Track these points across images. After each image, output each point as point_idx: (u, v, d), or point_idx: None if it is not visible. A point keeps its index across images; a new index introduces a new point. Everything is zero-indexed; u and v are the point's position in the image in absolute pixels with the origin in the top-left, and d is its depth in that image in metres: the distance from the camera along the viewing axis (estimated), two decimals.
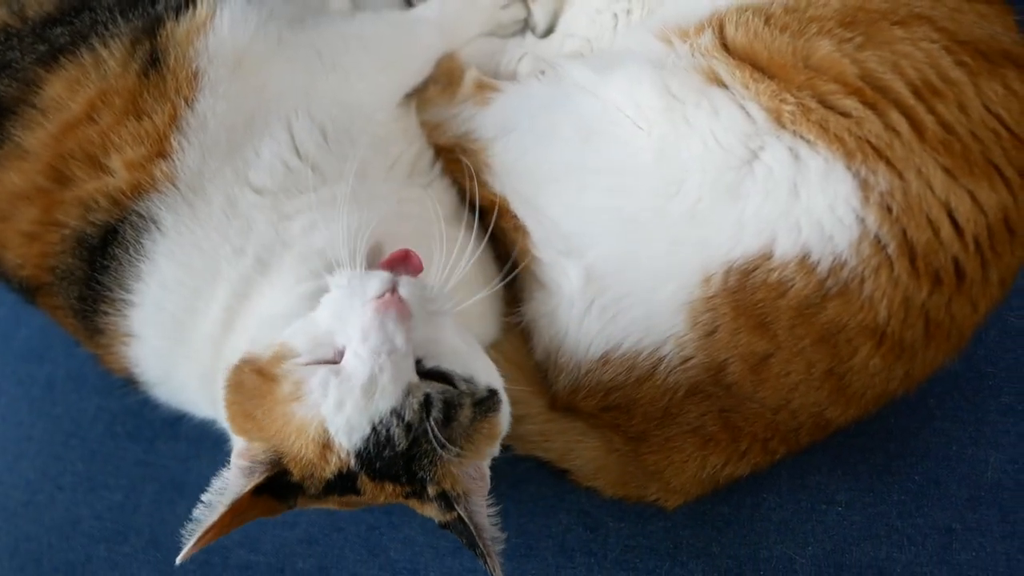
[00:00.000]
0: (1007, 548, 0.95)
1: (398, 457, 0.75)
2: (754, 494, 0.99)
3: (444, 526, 0.83)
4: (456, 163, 1.02)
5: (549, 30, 1.11)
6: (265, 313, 0.82)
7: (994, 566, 0.94)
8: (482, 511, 0.82)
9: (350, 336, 0.74)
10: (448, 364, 0.78)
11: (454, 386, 0.78)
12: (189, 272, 0.84)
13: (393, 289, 0.75)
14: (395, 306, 0.74)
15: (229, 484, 0.76)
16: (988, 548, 0.95)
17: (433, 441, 0.75)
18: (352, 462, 0.74)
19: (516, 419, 0.96)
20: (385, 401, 0.73)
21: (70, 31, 0.88)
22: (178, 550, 0.76)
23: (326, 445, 0.74)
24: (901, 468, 1.00)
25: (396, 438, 0.74)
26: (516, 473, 1.01)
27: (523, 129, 0.98)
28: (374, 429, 0.73)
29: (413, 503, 0.81)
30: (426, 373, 0.77)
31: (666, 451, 0.93)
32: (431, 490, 0.78)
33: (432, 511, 0.81)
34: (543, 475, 1.00)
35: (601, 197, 0.93)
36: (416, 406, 0.74)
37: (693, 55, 0.92)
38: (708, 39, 0.92)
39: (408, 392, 0.74)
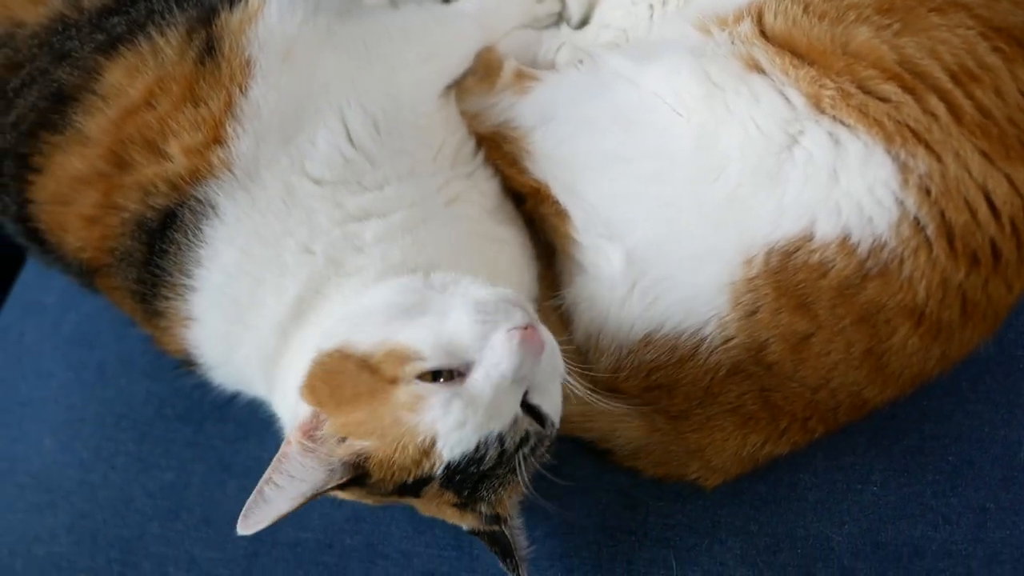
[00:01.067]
0: None
1: (478, 475, 0.79)
2: (791, 474, 1.00)
3: (474, 533, 0.88)
4: (497, 152, 1.05)
5: (584, 21, 1.13)
6: (352, 311, 0.84)
7: None
8: (520, 530, 0.88)
9: (487, 356, 0.77)
10: (546, 407, 0.84)
11: (543, 426, 0.84)
12: (251, 259, 0.86)
13: (533, 325, 0.80)
14: (537, 340, 0.79)
15: (306, 473, 0.79)
16: (1022, 527, 0.96)
17: (517, 471, 0.81)
18: (439, 471, 0.78)
19: None
20: (498, 424, 0.78)
21: (127, 20, 0.90)
22: (229, 527, 0.78)
23: (426, 454, 0.77)
24: (935, 449, 1.01)
25: (487, 459, 0.78)
26: (555, 453, 1.03)
27: (562, 117, 1.00)
28: (476, 447, 0.77)
29: (452, 512, 0.85)
30: (527, 407, 0.82)
31: (707, 430, 0.94)
32: (486, 509, 0.83)
33: (470, 521, 0.86)
34: (581, 456, 1.02)
35: (641, 183, 0.95)
36: (518, 437, 0.80)
37: (732, 43, 0.94)
38: (747, 27, 0.94)
39: (515, 421, 0.79)
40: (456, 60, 1.04)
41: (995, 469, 1.00)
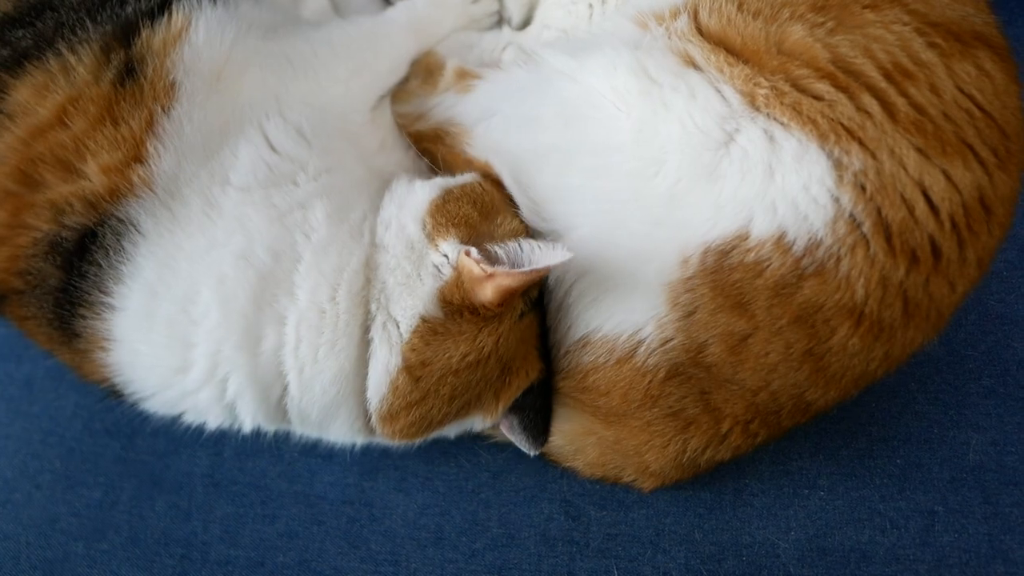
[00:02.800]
0: (989, 529, 0.95)
1: None
2: (736, 479, 0.99)
3: None
4: (438, 145, 1.03)
5: (525, 22, 1.12)
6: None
7: (976, 547, 0.94)
8: None
9: None
10: None
11: None
12: (177, 276, 0.84)
13: None
14: None
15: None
16: (971, 530, 0.95)
17: None
18: None
19: None
20: None
21: (33, 34, 0.87)
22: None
23: None
24: (883, 452, 1.00)
25: None
26: (497, 463, 1.00)
27: (505, 113, 0.99)
28: None
29: None
30: None
31: (646, 434, 0.92)
32: None
33: None
34: (524, 465, 1.00)
35: (582, 177, 0.93)
36: None
37: (669, 37, 0.93)
38: (683, 23, 0.93)
39: None
40: (387, 70, 1.03)
41: (943, 471, 0.99)
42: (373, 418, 0.88)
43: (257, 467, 1.02)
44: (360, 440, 0.94)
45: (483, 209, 0.89)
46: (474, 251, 0.83)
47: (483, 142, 0.98)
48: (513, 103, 0.99)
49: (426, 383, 0.86)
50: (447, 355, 0.85)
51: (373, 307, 0.87)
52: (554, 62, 0.98)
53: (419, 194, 0.90)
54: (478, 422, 0.94)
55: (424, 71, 1.08)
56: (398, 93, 1.08)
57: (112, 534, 0.99)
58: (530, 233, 0.93)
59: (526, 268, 0.82)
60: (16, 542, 1.00)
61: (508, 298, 0.85)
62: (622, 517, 0.97)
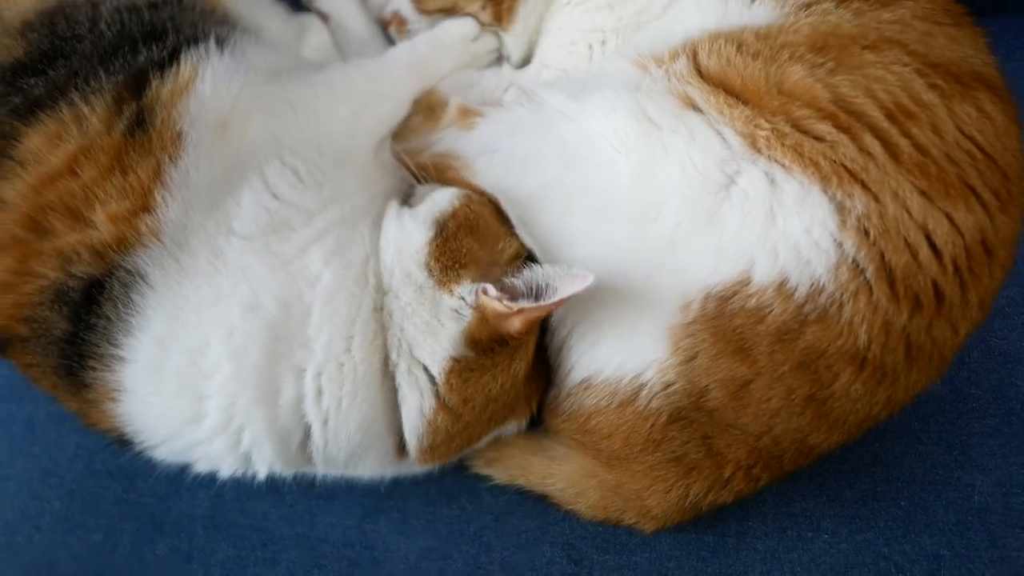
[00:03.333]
0: (996, 573, 0.94)
1: None
2: (739, 522, 0.98)
3: None
4: (442, 176, 1.02)
5: (525, 61, 1.12)
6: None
7: None
8: None
9: None
10: None
11: None
12: (185, 327, 0.83)
13: None
14: None
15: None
16: (977, 574, 0.94)
17: None
18: None
19: (495, 442, 0.96)
20: None
21: (45, 83, 0.87)
22: None
23: None
24: (887, 494, 0.99)
25: None
26: (499, 505, 1.00)
27: (506, 151, 0.99)
28: None
29: None
30: None
31: (649, 478, 0.92)
32: None
33: None
34: (526, 507, 0.99)
35: (583, 219, 0.92)
36: None
37: (669, 79, 0.93)
38: (682, 64, 0.93)
39: None
40: (389, 112, 1.03)
41: (948, 513, 0.98)
42: (411, 455, 0.89)
43: (258, 509, 1.01)
44: (390, 473, 0.95)
45: (483, 237, 0.89)
46: (492, 289, 0.83)
47: (486, 177, 0.98)
48: (514, 141, 0.99)
49: (467, 416, 0.87)
50: (486, 388, 0.87)
51: (393, 354, 0.87)
52: (555, 103, 0.98)
53: (415, 236, 0.89)
54: (512, 428, 0.95)
55: (426, 108, 1.08)
56: (400, 130, 1.08)
57: None
58: (529, 252, 0.93)
59: (552, 299, 0.82)
60: None
61: (535, 325, 0.86)
62: (625, 561, 0.97)
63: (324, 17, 1.19)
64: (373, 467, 0.92)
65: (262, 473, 0.90)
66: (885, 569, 0.95)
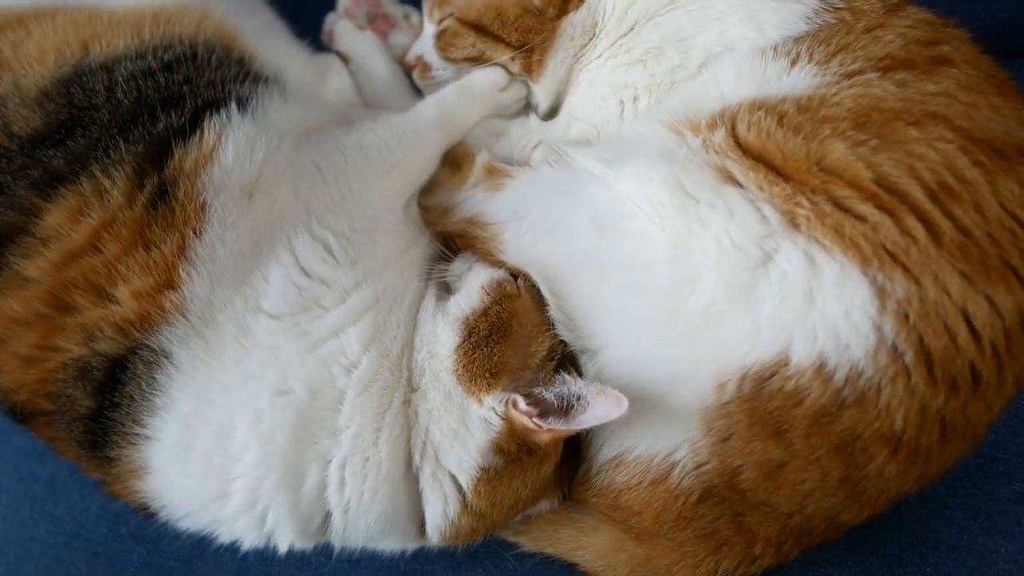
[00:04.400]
0: None
1: None
2: None
3: None
4: (469, 245, 1.01)
5: (553, 111, 1.09)
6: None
7: None
8: None
9: None
10: None
11: None
12: (212, 408, 0.82)
13: None
14: None
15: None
16: None
17: None
18: None
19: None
20: None
21: (64, 155, 0.85)
22: None
23: None
24: (912, 559, 0.99)
25: None
26: (524, 570, 1.00)
27: (536, 216, 0.97)
28: None
29: None
30: None
31: (678, 554, 0.92)
32: None
33: None
34: (552, 572, 0.99)
35: (616, 294, 0.91)
36: None
37: (707, 152, 0.90)
38: (721, 136, 0.91)
39: None
40: (418, 168, 1.01)
41: None
42: (431, 542, 0.89)
43: (284, 571, 1.01)
44: (411, 548, 0.95)
45: (514, 339, 0.88)
46: (522, 403, 0.82)
47: (515, 247, 0.96)
48: (545, 206, 0.97)
49: (493, 516, 0.87)
50: (515, 492, 0.86)
51: (416, 457, 0.86)
52: (587, 165, 0.96)
53: (444, 340, 0.88)
54: (543, 507, 0.95)
55: (451, 162, 1.06)
56: (426, 184, 1.05)
57: None
58: (564, 348, 0.91)
59: (580, 423, 0.82)
60: None
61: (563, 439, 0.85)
62: None
63: (345, 58, 1.16)
64: (393, 546, 0.93)
65: (283, 548, 0.89)
66: None
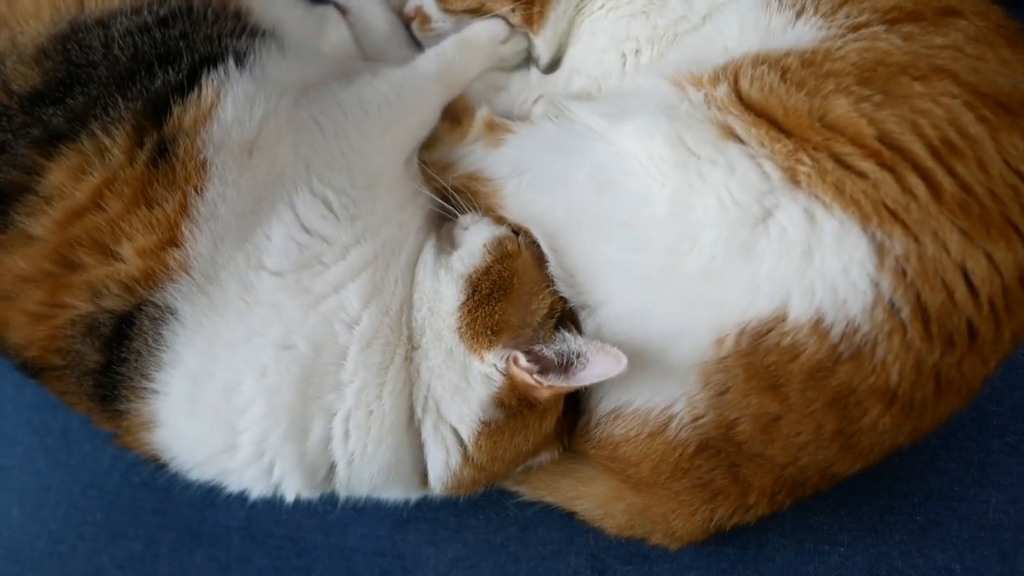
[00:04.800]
0: None
1: None
2: (759, 535, 1.01)
3: None
4: (471, 201, 1.00)
5: (554, 63, 1.08)
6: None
7: None
8: None
9: None
10: None
11: None
12: (217, 364, 0.84)
13: None
14: None
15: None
16: None
17: None
18: None
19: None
20: None
21: (64, 112, 0.85)
22: None
23: None
24: (903, 508, 1.02)
25: None
26: (524, 516, 1.03)
27: (537, 172, 0.97)
28: None
29: None
30: None
31: (675, 503, 0.94)
32: None
33: None
34: (552, 519, 1.02)
35: (616, 250, 0.92)
36: None
37: (709, 107, 0.90)
38: (724, 91, 0.90)
39: None
40: (419, 124, 1.01)
41: (963, 529, 1.01)
42: (434, 492, 0.91)
43: (291, 519, 1.04)
44: (415, 497, 0.98)
45: (516, 297, 0.88)
46: (522, 359, 0.84)
47: (516, 203, 0.97)
48: (545, 162, 0.96)
49: (494, 468, 0.89)
50: (515, 446, 0.88)
51: (419, 410, 0.88)
52: (587, 120, 0.96)
53: (447, 297, 0.89)
54: (543, 459, 0.97)
55: (451, 116, 1.05)
56: (426, 139, 1.05)
57: None
58: (564, 305, 0.92)
59: (580, 380, 0.84)
60: None
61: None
62: (647, 570, 1.01)
63: (343, 10, 1.14)
64: (397, 495, 0.95)
65: (290, 497, 0.92)
66: None
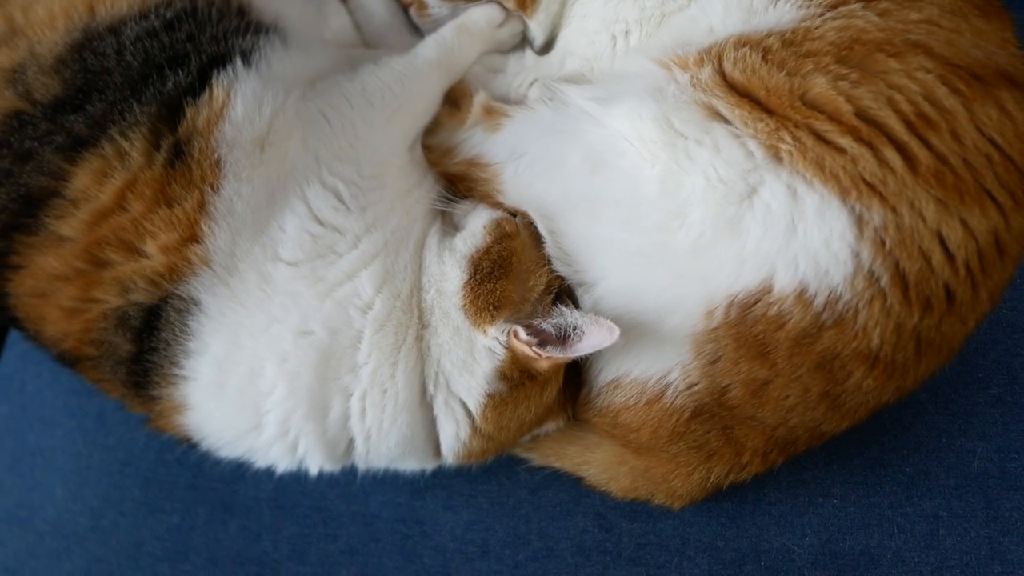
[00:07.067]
0: (990, 532, 1.03)
1: None
2: (756, 490, 1.07)
3: None
4: (470, 188, 1.05)
5: (548, 45, 1.11)
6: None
7: (976, 550, 1.02)
8: None
9: None
10: None
11: None
12: (241, 351, 0.89)
13: None
14: None
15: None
16: (972, 533, 1.03)
17: None
18: None
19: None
20: None
21: (85, 119, 0.89)
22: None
23: None
24: (893, 460, 1.07)
25: None
26: (534, 480, 1.09)
27: (533, 155, 1.01)
28: None
29: None
30: None
31: (673, 464, 1.00)
32: None
33: None
34: (560, 482, 1.08)
35: (610, 229, 0.96)
36: None
37: (694, 89, 0.93)
38: (708, 73, 0.93)
39: None
40: (422, 110, 1.05)
41: (949, 478, 1.06)
42: (447, 462, 0.98)
43: (316, 490, 1.11)
44: (430, 468, 1.04)
45: (515, 274, 0.93)
46: (522, 332, 0.89)
47: (515, 186, 1.01)
48: (541, 145, 1.00)
49: (501, 438, 0.95)
50: (520, 416, 0.94)
51: (430, 386, 0.94)
52: (580, 102, 0.99)
53: (452, 278, 0.94)
54: (550, 428, 1.04)
55: (451, 100, 1.09)
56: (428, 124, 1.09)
57: (193, 555, 1.10)
58: (561, 282, 0.97)
59: (576, 351, 0.89)
60: (108, 564, 1.12)
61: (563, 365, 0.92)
62: (650, 528, 1.07)
63: None
64: (413, 466, 1.02)
65: (314, 471, 0.99)
66: (888, 530, 1.04)
